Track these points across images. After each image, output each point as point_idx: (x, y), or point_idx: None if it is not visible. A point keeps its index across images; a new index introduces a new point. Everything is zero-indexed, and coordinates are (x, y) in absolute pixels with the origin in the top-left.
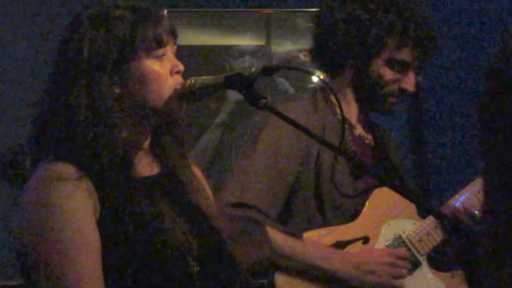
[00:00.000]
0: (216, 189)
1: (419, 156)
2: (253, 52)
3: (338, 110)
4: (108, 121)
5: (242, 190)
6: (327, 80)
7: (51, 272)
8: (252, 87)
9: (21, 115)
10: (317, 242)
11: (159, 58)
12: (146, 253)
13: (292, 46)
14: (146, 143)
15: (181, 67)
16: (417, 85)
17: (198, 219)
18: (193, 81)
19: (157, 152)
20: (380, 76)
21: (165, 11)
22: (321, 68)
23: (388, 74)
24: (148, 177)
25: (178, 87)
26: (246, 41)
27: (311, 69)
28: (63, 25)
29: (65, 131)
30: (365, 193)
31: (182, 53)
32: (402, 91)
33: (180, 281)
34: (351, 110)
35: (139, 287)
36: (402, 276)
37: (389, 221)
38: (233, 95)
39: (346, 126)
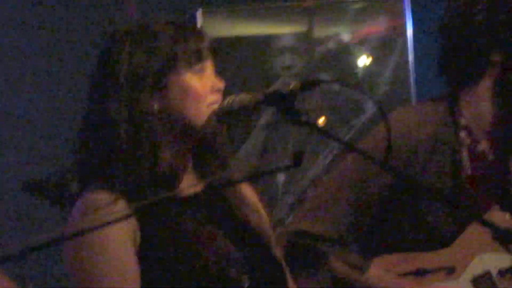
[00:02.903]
0: (261, 192)
1: None
2: (294, 48)
3: (462, 120)
4: (150, 139)
5: (316, 217)
6: (375, 98)
7: None
8: (292, 104)
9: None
10: (383, 275)
11: (199, 73)
12: (191, 274)
13: (335, 29)
14: (189, 160)
15: (221, 85)
16: None
17: (246, 235)
18: (231, 100)
19: (199, 169)
20: None
21: (203, 29)
22: (455, 77)
23: None
24: (191, 196)
25: (216, 106)
26: (287, 29)
27: (360, 88)
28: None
29: (105, 151)
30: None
31: (223, 44)
32: None
33: None
34: (483, 120)
35: None
36: None
37: (483, 255)
38: None
39: (469, 139)
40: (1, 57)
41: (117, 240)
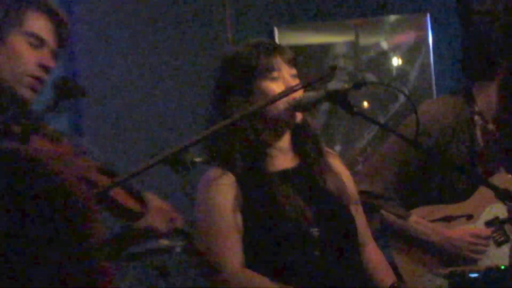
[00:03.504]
0: None
1: None
2: (345, 54)
3: (476, 108)
4: (242, 130)
5: (371, 180)
6: (407, 93)
7: (204, 241)
8: (347, 99)
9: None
10: (420, 221)
11: (275, 79)
12: (274, 227)
13: (378, 38)
14: (285, 143)
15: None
16: None
17: (322, 198)
18: (301, 96)
19: (296, 149)
20: None
21: (277, 44)
22: (472, 70)
23: None
24: (284, 170)
25: (290, 101)
26: (340, 39)
27: (393, 85)
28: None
29: (214, 139)
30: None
31: (294, 51)
32: None
33: (301, 246)
34: (491, 105)
35: (272, 254)
36: (479, 252)
37: (493, 205)
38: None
39: (481, 121)
40: (145, 63)
41: (224, 201)
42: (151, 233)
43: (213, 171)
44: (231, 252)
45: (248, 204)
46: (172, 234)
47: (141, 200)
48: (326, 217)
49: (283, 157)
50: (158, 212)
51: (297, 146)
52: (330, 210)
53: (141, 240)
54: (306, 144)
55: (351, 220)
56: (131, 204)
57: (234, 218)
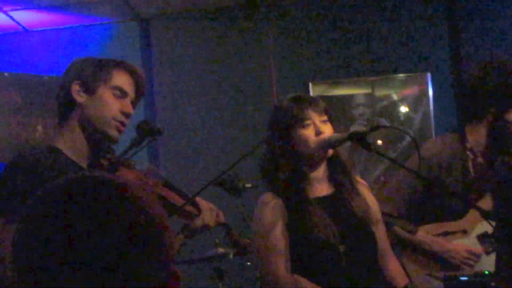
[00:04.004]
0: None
1: None
2: (364, 103)
3: (468, 145)
4: (284, 165)
5: (387, 203)
6: (412, 134)
7: (257, 251)
8: (365, 139)
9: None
10: (425, 235)
11: (307, 126)
12: (309, 242)
13: (390, 91)
14: (321, 173)
15: (321, 130)
16: None
17: (352, 222)
18: (328, 137)
19: (331, 178)
20: None
21: (309, 97)
22: (465, 114)
23: None
24: (321, 197)
25: (319, 142)
26: (360, 91)
27: (401, 128)
28: None
29: (265, 171)
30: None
31: (324, 101)
32: None
33: (330, 259)
34: (480, 143)
35: (306, 264)
36: (470, 265)
37: (483, 222)
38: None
39: (472, 156)
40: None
41: (273, 221)
42: (205, 228)
43: (266, 196)
44: (280, 260)
45: (292, 222)
46: (217, 226)
47: (195, 205)
48: (351, 236)
49: (319, 185)
50: (208, 211)
51: (331, 176)
52: (355, 230)
53: (198, 234)
54: (339, 174)
55: (372, 238)
56: (190, 208)
57: (281, 233)
